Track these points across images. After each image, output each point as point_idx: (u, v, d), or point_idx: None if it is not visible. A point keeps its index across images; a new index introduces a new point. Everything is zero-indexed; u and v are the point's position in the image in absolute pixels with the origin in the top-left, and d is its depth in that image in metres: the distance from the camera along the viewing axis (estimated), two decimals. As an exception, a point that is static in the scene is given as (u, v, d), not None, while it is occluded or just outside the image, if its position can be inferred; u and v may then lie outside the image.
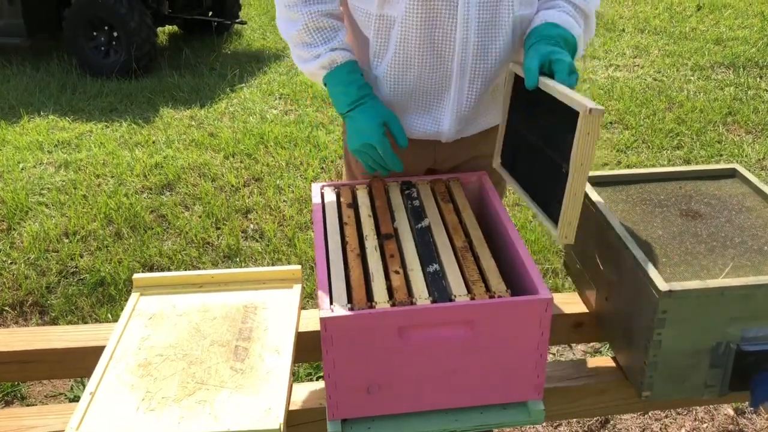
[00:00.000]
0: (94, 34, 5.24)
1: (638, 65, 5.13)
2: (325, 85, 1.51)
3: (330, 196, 1.58)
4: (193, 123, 4.35)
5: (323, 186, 1.63)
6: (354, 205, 1.53)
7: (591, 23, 1.48)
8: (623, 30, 6.01)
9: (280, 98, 4.76)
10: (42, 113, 4.54)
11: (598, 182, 1.77)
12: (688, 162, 3.62)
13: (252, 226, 3.15)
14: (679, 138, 3.87)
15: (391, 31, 1.44)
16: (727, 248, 1.35)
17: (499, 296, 1.18)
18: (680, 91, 4.57)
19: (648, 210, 1.60)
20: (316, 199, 1.56)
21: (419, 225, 1.43)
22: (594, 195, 1.67)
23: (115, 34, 5.18)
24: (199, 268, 2.83)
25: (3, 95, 4.87)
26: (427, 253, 1.31)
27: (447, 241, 1.37)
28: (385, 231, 1.38)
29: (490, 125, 1.60)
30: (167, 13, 5.80)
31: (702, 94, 4.50)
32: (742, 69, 4.90)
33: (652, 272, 1.22)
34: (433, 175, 1.65)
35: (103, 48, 5.26)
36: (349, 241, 1.39)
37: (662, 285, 1.18)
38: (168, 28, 6.39)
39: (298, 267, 1.46)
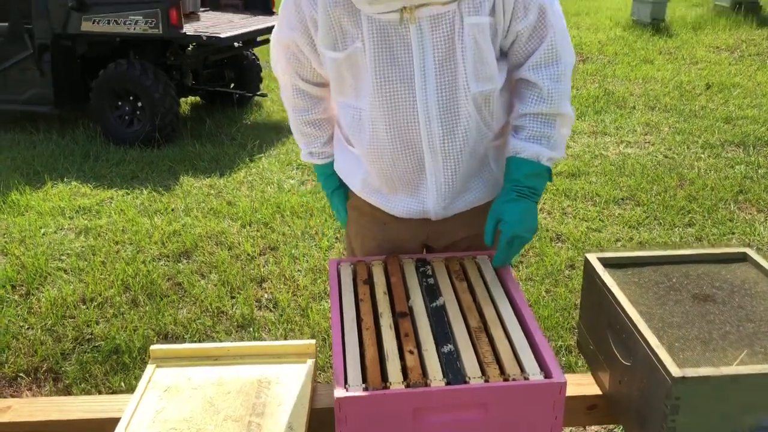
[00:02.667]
0: (119, 103, 5.41)
1: (649, 142, 5.21)
2: None
3: (346, 273, 1.61)
4: (212, 191, 4.44)
5: (340, 262, 1.67)
6: (370, 282, 1.56)
7: (565, 118, 1.54)
8: (634, 107, 6.12)
9: (297, 168, 4.86)
10: (65, 179, 4.65)
11: (610, 264, 1.79)
12: (700, 240, 3.63)
13: (266, 295, 3.18)
14: (690, 215, 3.90)
15: (362, 121, 1.53)
16: (741, 334, 1.36)
17: (514, 379, 1.19)
18: (691, 168, 4.62)
19: (660, 293, 1.62)
20: (332, 275, 1.60)
21: (434, 304, 1.46)
22: (606, 277, 1.69)
23: (140, 104, 5.35)
24: (213, 338, 2.85)
25: (29, 161, 5.01)
26: (442, 332, 1.33)
27: (461, 320, 1.39)
28: (400, 309, 1.41)
29: (479, 201, 1.64)
30: (190, 85, 6.00)
31: (713, 171, 4.55)
32: (752, 148, 4.96)
33: (665, 357, 1.23)
34: (448, 253, 1.69)
35: (127, 117, 5.42)
36: (364, 318, 1.41)
37: (675, 371, 1.18)
38: (191, 98, 6.59)
39: (312, 341, 1.48)
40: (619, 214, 3.96)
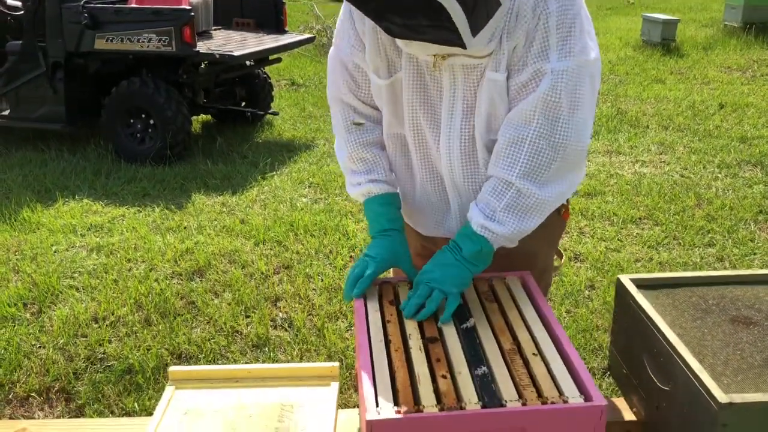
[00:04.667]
0: (131, 121, 5.41)
1: (664, 161, 5.16)
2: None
3: (372, 293, 1.57)
4: (225, 209, 4.41)
5: (365, 282, 1.62)
6: (396, 303, 1.51)
7: (518, 193, 1.39)
8: (647, 127, 6.08)
9: (309, 187, 4.84)
10: (77, 197, 4.64)
11: (642, 285, 1.73)
12: (721, 260, 3.58)
13: (281, 314, 3.13)
14: (710, 236, 3.84)
15: (401, 145, 1.56)
16: (786, 359, 1.31)
17: (552, 402, 1.14)
18: (708, 188, 4.57)
19: (697, 316, 1.56)
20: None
21: (464, 325, 1.41)
22: (641, 299, 1.63)
23: (152, 121, 5.35)
24: (228, 358, 2.80)
25: (40, 178, 5.00)
26: (474, 354, 1.29)
27: (494, 342, 1.34)
28: (430, 334, 1.36)
29: None
30: (202, 103, 6.00)
31: (731, 191, 4.49)
32: (769, 167, 4.92)
33: (710, 382, 1.18)
34: (475, 274, 1.64)
35: (138, 135, 5.41)
36: (392, 339, 1.37)
37: (721, 396, 1.13)
38: (202, 116, 6.59)
39: (335, 364, 1.44)
40: (637, 233, 3.90)
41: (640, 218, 4.12)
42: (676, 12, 13.74)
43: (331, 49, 1.57)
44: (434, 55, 1.37)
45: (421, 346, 1.33)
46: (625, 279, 1.77)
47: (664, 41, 9.70)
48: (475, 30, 1.21)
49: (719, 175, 4.81)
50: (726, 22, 11.05)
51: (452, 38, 1.21)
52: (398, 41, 1.36)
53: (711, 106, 6.71)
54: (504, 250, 1.64)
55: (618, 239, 3.84)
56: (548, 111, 1.33)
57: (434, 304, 1.38)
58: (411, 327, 1.41)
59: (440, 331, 1.40)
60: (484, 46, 1.28)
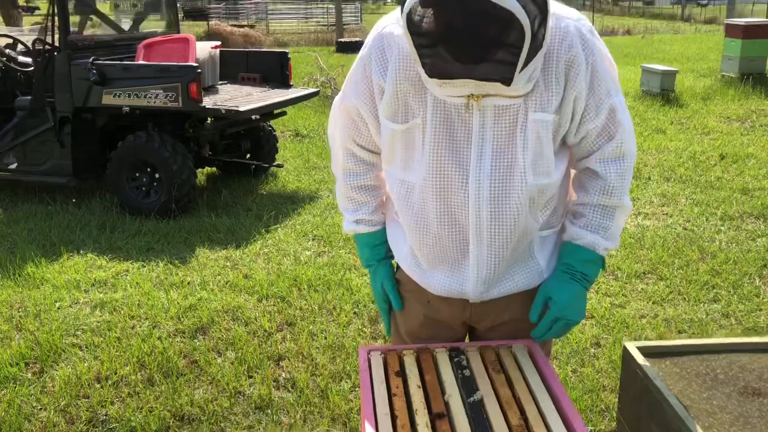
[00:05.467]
0: (137, 174, 5.45)
1: (667, 214, 5.18)
2: None
3: (377, 363, 1.56)
4: (228, 264, 4.42)
5: (370, 350, 1.62)
6: (402, 374, 1.51)
7: (625, 210, 1.59)
8: (649, 178, 6.12)
9: (313, 239, 4.85)
10: (81, 251, 4.65)
11: (649, 353, 1.73)
12: (727, 316, 3.55)
13: (284, 374, 3.11)
14: (715, 291, 3.83)
15: (411, 196, 1.55)
16: (797, 435, 1.29)
17: (561, 485, 1.13)
18: (711, 241, 4.57)
19: (706, 386, 1.55)
20: (363, 366, 1.55)
21: (471, 399, 1.40)
22: (647, 368, 1.63)
23: (157, 175, 5.39)
24: (231, 420, 2.76)
25: (45, 233, 5.02)
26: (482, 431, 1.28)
27: (501, 417, 1.33)
28: (437, 409, 1.35)
29: (518, 289, 1.62)
30: (207, 156, 6.06)
31: (734, 245, 4.50)
32: (772, 219, 4.92)
33: (721, 462, 1.17)
34: (482, 342, 1.64)
35: (144, 188, 5.45)
36: (398, 415, 1.36)
37: (733, 477, 1.12)
38: (207, 169, 6.65)
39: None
40: (642, 288, 3.89)
41: (644, 273, 4.11)
42: (674, 62, 13.95)
43: (339, 94, 1.65)
44: (468, 96, 1.39)
45: (428, 422, 1.33)
46: (632, 346, 1.76)
47: (663, 91, 9.83)
48: (523, 66, 1.27)
49: (722, 228, 4.82)
50: (723, 73, 11.21)
51: (504, 73, 1.27)
52: (431, 84, 1.37)
53: (712, 156, 6.76)
54: (520, 315, 1.64)
55: (623, 294, 3.82)
56: (628, 138, 1.54)
57: (559, 335, 1.59)
58: (417, 400, 1.40)
59: (447, 405, 1.39)
60: (524, 84, 1.34)
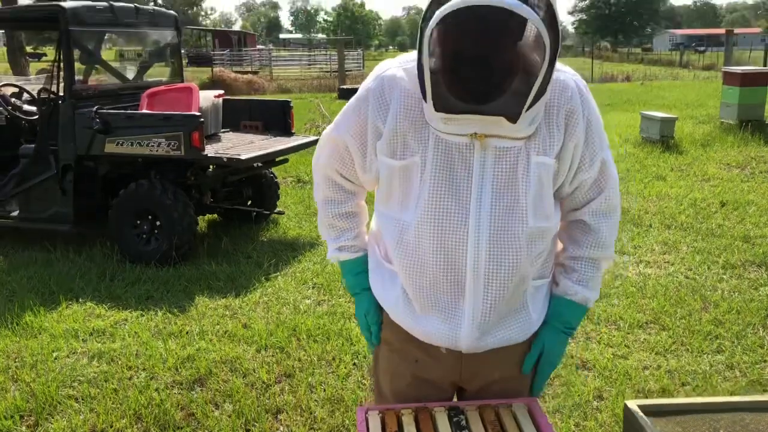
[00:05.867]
0: (138, 222, 5.46)
1: (668, 262, 5.16)
2: None
3: (375, 423, 1.54)
4: (228, 313, 4.39)
5: (367, 410, 1.60)
6: (400, 436, 1.48)
7: (609, 261, 1.68)
8: (650, 225, 6.12)
9: (313, 287, 4.83)
10: (80, 300, 4.63)
11: (651, 412, 1.70)
12: (731, 368, 3.51)
13: (282, 428, 3.06)
14: (718, 341, 3.79)
15: (406, 236, 1.54)
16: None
17: None
18: (714, 290, 4.55)
19: (709, 450, 1.53)
20: (360, 427, 1.52)
21: (470, 463, 1.38)
22: (650, 427, 1.60)
23: (158, 223, 5.40)
24: (227, 476, 2.71)
25: (45, 280, 5.01)
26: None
27: (501, 483, 1.31)
28: (436, 473, 1.33)
29: (510, 340, 1.60)
30: (209, 203, 6.08)
31: (737, 294, 4.47)
32: (774, 268, 4.90)
33: None
34: (482, 401, 1.62)
35: (145, 236, 5.46)
36: (396, 479, 1.33)
37: None
38: (208, 216, 6.66)
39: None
40: (644, 339, 3.85)
41: (646, 322, 4.08)
42: (673, 108, 14.09)
43: (329, 126, 1.69)
44: (471, 135, 1.43)
45: (426, 487, 1.30)
46: (633, 405, 1.74)
47: (663, 138, 9.90)
48: (530, 105, 1.34)
49: (724, 277, 4.79)
50: (722, 120, 11.31)
51: (512, 108, 1.34)
52: (436, 120, 1.41)
53: (712, 204, 6.78)
54: (509, 373, 1.64)
55: (625, 345, 3.79)
56: (617, 193, 1.62)
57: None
58: (415, 465, 1.38)
59: (446, 470, 1.36)
60: (527, 126, 1.41)
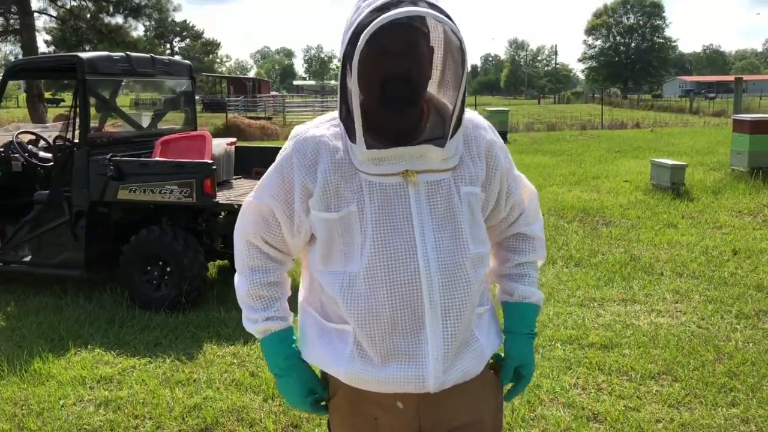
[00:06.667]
0: (148, 268, 5.49)
1: (681, 311, 5.11)
2: None
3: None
4: (235, 361, 4.37)
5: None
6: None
7: (542, 260, 1.84)
8: (662, 273, 6.08)
9: (321, 336, 4.79)
10: (89, 346, 4.63)
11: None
12: (746, 422, 3.44)
13: (288, 481, 3.01)
14: (733, 394, 3.72)
15: (355, 286, 1.54)
16: None
17: None
18: (727, 340, 4.48)
19: None
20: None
21: None
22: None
23: (168, 269, 5.42)
24: None
25: (54, 326, 5.01)
26: None
27: None
28: None
29: (470, 373, 1.60)
30: (219, 249, 6.10)
31: (751, 344, 4.40)
32: (789, 318, 4.83)
33: None
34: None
35: (155, 282, 5.47)
36: None
37: None
38: (218, 261, 6.68)
39: None
40: (656, 390, 3.79)
41: (658, 373, 4.02)
42: (683, 155, 14.12)
43: (250, 194, 1.71)
44: (403, 174, 1.52)
45: None
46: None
47: (673, 185, 9.90)
48: (452, 132, 1.51)
49: (738, 327, 4.73)
50: (733, 167, 11.30)
51: (438, 132, 1.52)
52: (366, 164, 1.51)
53: (724, 252, 6.73)
54: (472, 418, 1.63)
55: (637, 396, 3.72)
56: (536, 198, 1.83)
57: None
58: None
59: None
60: (453, 155, 1.55)
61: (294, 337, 1.72)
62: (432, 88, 1.57)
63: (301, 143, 1.59)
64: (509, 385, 1.78)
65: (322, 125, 1.61)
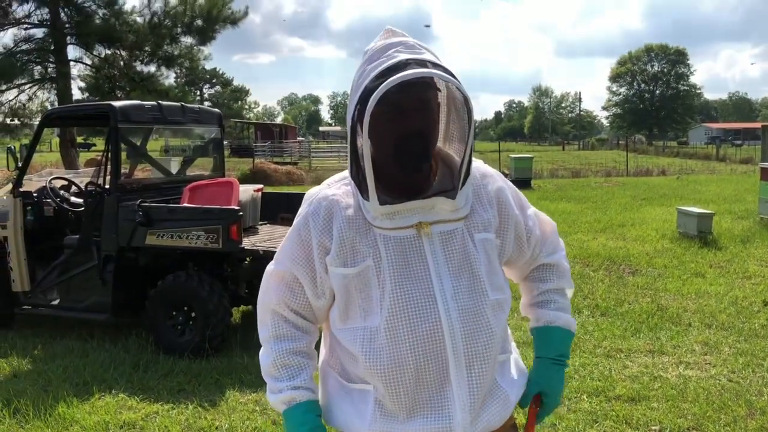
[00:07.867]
0: (174, 313, 5.53)
1: (710, 363, 5.00)
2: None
3: None
4: (257, 408, 4.36)
5: None
6: None
7: (571, 289, 1.84)
8: (690, 324, 5.97)
9: (344, 384, 4.76)
10: (113, 391, 4.65)
11: None
12: (780, 481, 3.33)
13: None
14: (766, 451, 3.62)
15: (377, 341, 1.53)
16: None
17: None
18: (759, 395, 4.37)
19: None
20: None
21: None
22: None
23: (193, 314, 5.46)
24: None
25: (79, 370, 5.05)
26: None
27: None
28: None
29: (498, 421, 1.60)
30: (244, 294, 6.14)
31: (784, 399, 4.29)
32: (823, 372, 4.70)
33: None
34: None
35: (179, 327, 5.51)
36: None
37: None
38: (243, 307, 6.71)
39: None
40: (686, 447, 3.70)
41: (688, 428, 3.92)
42: (710, 203, 13.98)
43: (271, 264, 1.71)
44: (417, 226, 1.54)
45: None
46: None
47: (700, 234, 9.78)
48: (462, 183, 1.54)
49: (770, 381, 4.62)
50: (761, 215, 11.16)
51: (447, 184, 1.55)
52: (380, 219, 1.53)
53: (755, 303, 6.60)
54: None
55: (666, 453, 3.64)
56: (555, 229, 1.84)
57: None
58: None
59: None
60: (464, 204, 1.57)
61: (320, 411, 1.64)
62: (439, 141, 1.61)
63: (315, 205, 1.62)
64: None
65: (334, 185, 1.65)
